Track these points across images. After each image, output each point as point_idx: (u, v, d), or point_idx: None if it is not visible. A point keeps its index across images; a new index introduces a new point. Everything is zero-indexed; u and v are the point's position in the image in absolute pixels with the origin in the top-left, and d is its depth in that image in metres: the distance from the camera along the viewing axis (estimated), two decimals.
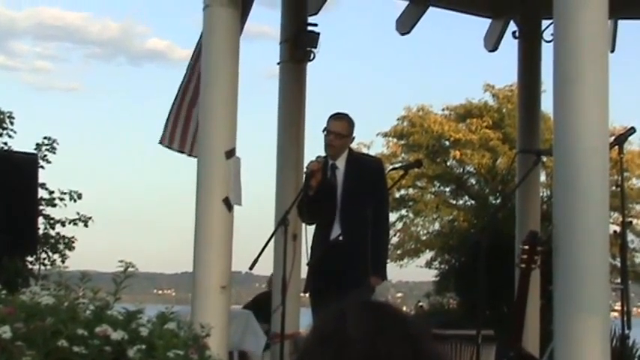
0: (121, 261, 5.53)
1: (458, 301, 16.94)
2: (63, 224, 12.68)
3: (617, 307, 7.48)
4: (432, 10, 11.60)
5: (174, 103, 9.37)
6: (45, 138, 12.70)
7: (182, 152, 9.25)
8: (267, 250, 7.60)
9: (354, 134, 7.86)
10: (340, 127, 7.70)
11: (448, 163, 23.40)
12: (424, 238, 23.68)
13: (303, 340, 2.01)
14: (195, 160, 8.41)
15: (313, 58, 10.42)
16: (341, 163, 7.68)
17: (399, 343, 1.91)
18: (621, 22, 11.73)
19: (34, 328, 4.93)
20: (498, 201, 21.05)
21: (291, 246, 7.64)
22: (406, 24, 11.68)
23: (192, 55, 9.28)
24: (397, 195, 22.46)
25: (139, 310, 5.35)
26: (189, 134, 9.22)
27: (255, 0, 9.11)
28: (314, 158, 7.67)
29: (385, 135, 23.47)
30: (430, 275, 22.43)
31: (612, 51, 11.45)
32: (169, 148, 9.34)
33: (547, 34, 10.84)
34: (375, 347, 1.89)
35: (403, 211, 23.67)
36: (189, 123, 9.18)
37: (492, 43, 12.16)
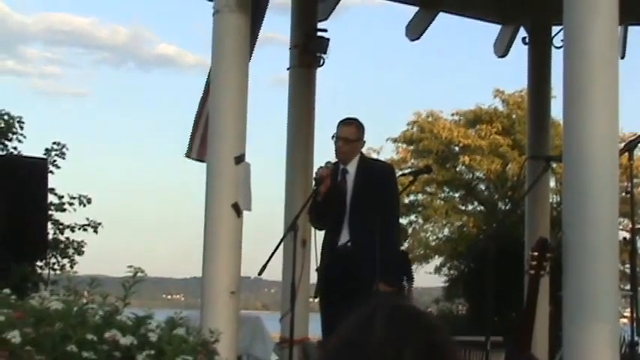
0: (130, 266, 5.54)
1: (467, 308, 16.93)
2: (72, 230, 12.70)
3: (627, 313, 7.47)
4: (441, 16, 11.61)
5: (196, 115, 9.36)
6: (54, 143, 12.72)
7: (202, 161, 9.20)
8: (276, 255, 7.60)
9: (365, 138, 7.87)
10: (348, 132, 7.70)
11: (457, 169, 23.37)
12: (433, 243, 23.65)
13: (327, 344, 2.01)
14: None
15: (323, 63, 10.44)
16: (352, 167, 7.68)
17: (424, 355, 1.91)
18: (632, 28, 11.72)
19: (43, 333, 4.94)
20: (508, 207, 21.02)
21: (300, 251, 7.65)
22: (416, 30, 11.69)
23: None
24: (406, 200, 22.42)
25: (148, 316, 5.36)
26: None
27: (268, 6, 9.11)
28: (323, 164, 7.67)
29: (395, 140, 23.46)
30: (439, 281, 22.42)
31: (622, 57, 11.43)
32: (189, 158, 9.32)
33: (557, 40, 10.83)
34: (401, 355, 1.90)
35: (412, 217, 23.64)
36: (207, 132, 9.17)
37: (502, 48, 12.16)
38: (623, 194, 7.62)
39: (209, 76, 9.22)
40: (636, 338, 6.70)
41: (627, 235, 7.28)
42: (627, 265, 12.25)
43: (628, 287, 7.33)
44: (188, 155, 9.36)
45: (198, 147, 9.25)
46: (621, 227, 8.59)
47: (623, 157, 6.82)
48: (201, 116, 9.27)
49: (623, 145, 6.92)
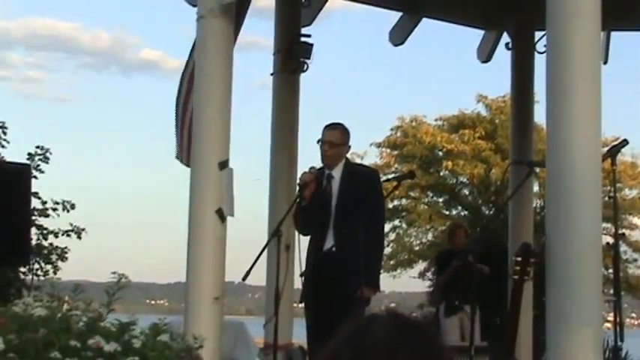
0: (113, 272, 5.52)
1: None
2: (56, 235, 12.65)
3: (610, 317, 7.49)
4: (425, 22, 11.63)
5: (177, 117, 9.32)
6: (37, 147, 12.66)
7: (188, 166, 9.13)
8: (260, 260, 7.60)
9: (350, 143, 7.88)
10: (334, 136, 7.71)
11: (441, 174, 23.38)
12: (417, 248, 23.64)
13: (330, 342, 2.07)
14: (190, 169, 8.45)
15: (307, 68, 10.43)
16: (337, 172, 7.69)
17: (417, 357, 1.95)
18: (614, 34, 11.76)
19: (26, 340, 4.93)
20: (491, 212, 21.06)
21: (284, 257, 7.64)
22: (399, 35, 11.70)
23: (186, 66, 9.26)
24: (390, 205, 22.41)
25: (132, 322, 5.35)
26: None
27: (248, 11, 9.12)
28: (307, 169, 7.68)
29: (379, 145, 23.46)
30: (423, 286, 22.43)
31: (605, 62, 11.48)
32: (187, 165, 9.18)
33: (540, 46, 10.85)
34: (393, 355, 1.94)
35: (396, 222, 23.62)
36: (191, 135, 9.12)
37: (485, 54, 12.18)
38: (606, 199, 7.64)
39: (183, 76, 9.22)
40: (620, 343, 6.72)
41: (610, 240, 7.28)
42: (611, 270, 12.29)
43: (612, 292, 7.34)
44: (180, 159, 9.29)
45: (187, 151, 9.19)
46: (604, 232, 8.61)
47: (606, 161, 6.84)
48: (184, 118, 9.23)
49: (606, 150, 6.94)
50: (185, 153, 9.15)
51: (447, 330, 10.52)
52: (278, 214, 8.88)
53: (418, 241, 23.91)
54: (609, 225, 14.91)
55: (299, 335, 9.49)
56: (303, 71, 10.44)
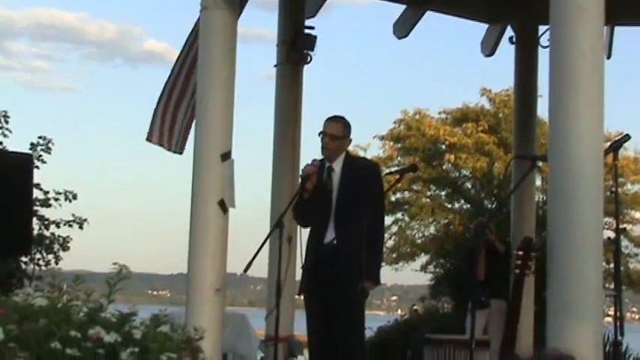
0: (114, 263, 5.52)
1: (452, 305, 16.95)
2: (58, 225, 12.65)
3: (611, 312, 7.49)
4: (429, 15, 11.63)
5: (160, 100, 9.37)
6: (40, 137, 12.66)
7: (169, 150, 9.30)
8: (262, 252, 7.59)
9: (351, 137, 7.87)
10: (335, 128, 7.69)
11: (444, 167, 23.37)
12: (419, 241, 23.64)
13: None
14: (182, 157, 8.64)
15: (310, 60, 10.45)
16: (337, 165, 7.67)
17: None
18: (618, 29, 11.75)
19: (27, 330, 4.93)
20: (494, 205, 21.05)
21: (286, 248, 7.64)
22: (403, 28, 11.70)
23: (181, 53, 9.30)
24: (393, 198, 22.43)
25: (133, 313, 5.35)
26: (175, 131, 9.26)
27: (251, 3, 9.12)
28: (310, 161, 7.66)
29: (382, 138, 23.45)
30: (425, 279, 22.45)
31: (609, 57, 11.47)
32: (160, 145, 9.35)
33: (544, 40, 10.86)
34: None
35: (399, 215, 23.61)
36: (175, 120, 9.23)
37: (489, 47, 12.18)
38: (608, 194, 7.64)
39: (176, 61, 9.25)
40: (620, 338, 6.72)
41: (612, 235, 7.27)
42: (612, 265, 12.28)
43: (612, 287, 7.34)
44: (159, 143, 9.38)
45: (167, 135, 9.29)
46: (607, 227, 8.62)
47: (608, 156, 6.83)
48: (169, 102, 9.29)
49: (608, 145, 6.93)
50: (166, 136, 9.26)
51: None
52: (280, 205, 8.88)
53: (420, 234, 23.92)
54: (611, 219, 14.92)
55: (300, 327, 9.50)
56: (307, 63, 10.46)
